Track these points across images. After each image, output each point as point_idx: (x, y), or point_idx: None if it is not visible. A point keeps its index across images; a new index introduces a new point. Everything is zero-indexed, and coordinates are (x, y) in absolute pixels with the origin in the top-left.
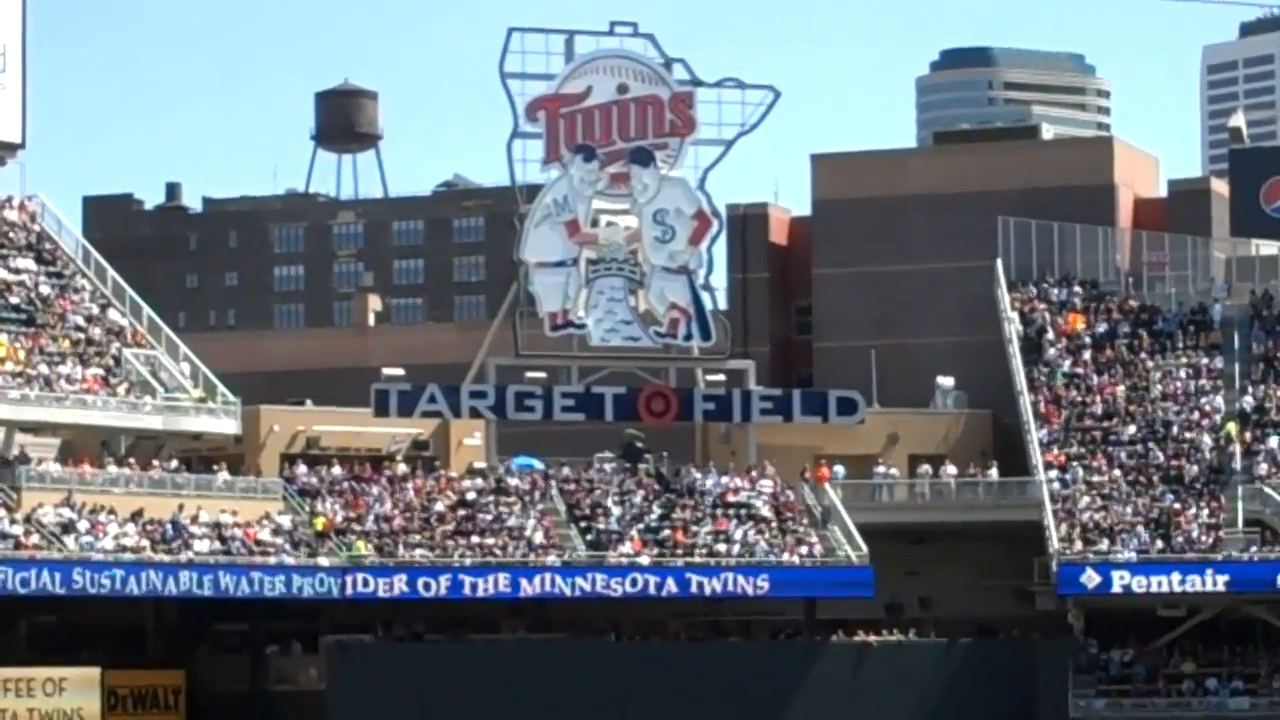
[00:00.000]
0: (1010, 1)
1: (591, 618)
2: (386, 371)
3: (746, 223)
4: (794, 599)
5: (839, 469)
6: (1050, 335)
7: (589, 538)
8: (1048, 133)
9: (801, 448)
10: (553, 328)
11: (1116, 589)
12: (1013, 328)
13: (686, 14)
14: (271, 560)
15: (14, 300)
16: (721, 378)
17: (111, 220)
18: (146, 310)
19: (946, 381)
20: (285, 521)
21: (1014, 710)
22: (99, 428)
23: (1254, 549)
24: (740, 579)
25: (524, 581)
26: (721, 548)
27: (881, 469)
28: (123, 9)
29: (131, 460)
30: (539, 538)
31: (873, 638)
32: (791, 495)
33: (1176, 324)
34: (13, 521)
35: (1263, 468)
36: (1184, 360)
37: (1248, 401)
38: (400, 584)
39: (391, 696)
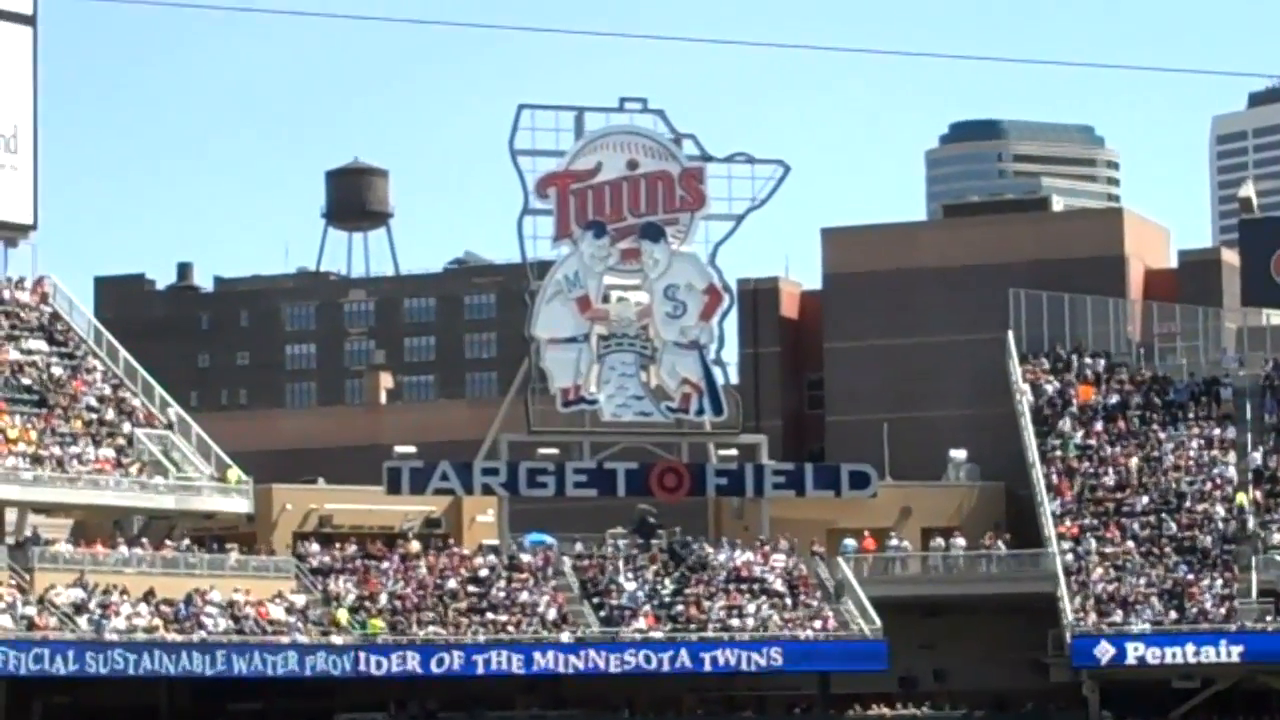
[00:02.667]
0: (1019, 74)
1: (605, 693)
2: (398, 449)
3: (757, 297)
4: (808, 673)
5: (850, 542)
6: (1063, 407)
7: (602, 614)
8: (1058, 204)
9: (814, 521)
10: (564, 404)
11: (1131, 661)
12: (1024, 400)
13: (696, 90)
14: (284, 639)
15: (26, 381)
16: (734, 452)
17: (123, 300)
18: (158, 390)
19: (959, 454)
20: (298, 600)
21: None
22: (111, 508)
23: (1268, 619)
24: (754, 653)
25: (537, 658)
26: (735, 622)
27: (894, 542)
28: (133, 89)
29: (144, 540)
30: (552, 614)
31: (887, 711)
32: (804, 569)
33: (1188, 395)
34: (26, 603)
35: (1276, 537)
36: (1196, 431)
37: (1260, 471)
38: (413, 661)
39: None
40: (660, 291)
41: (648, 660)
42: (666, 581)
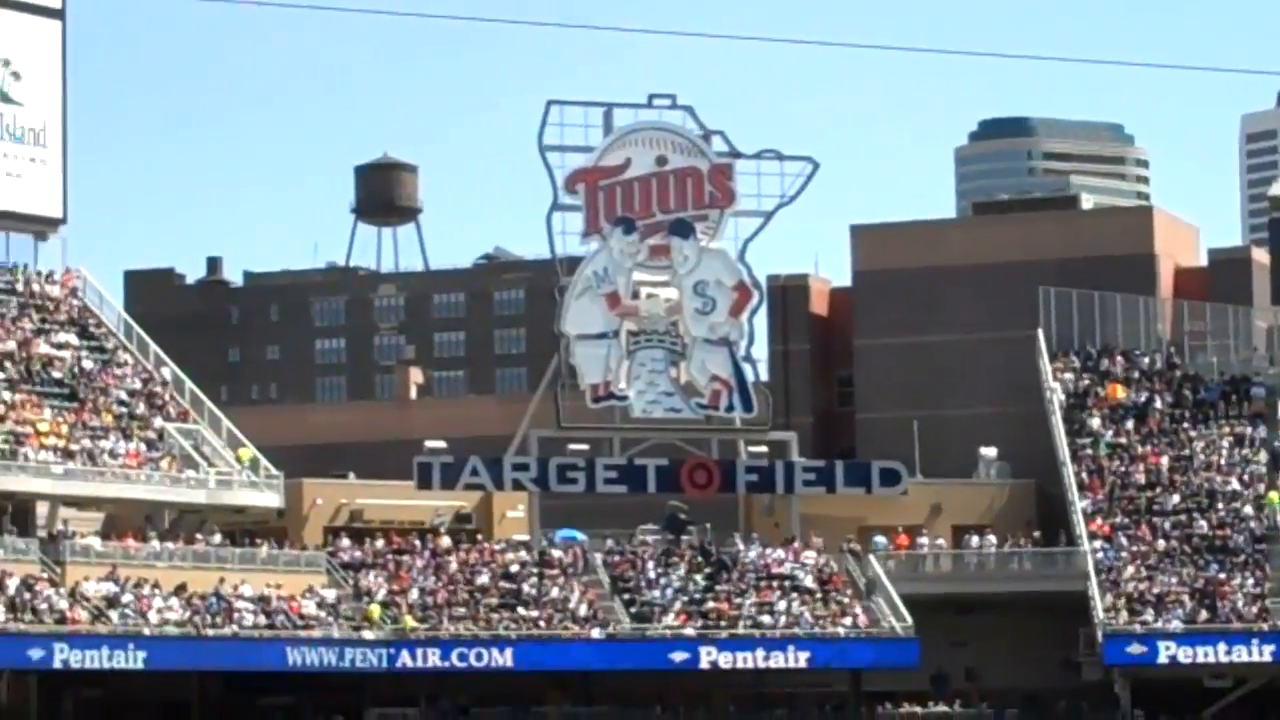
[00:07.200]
0: (1049, 72)
1: (636, 690)
2: (429, 444)
3: (787, 294)
4: (840, 670)
5: (880, 539)
6: (1092, 405)
7: (633, 610)
8: (1087, 202)
9: (844, 519)
10: (594, 400)
11: (1163, 659)
12: (1055, 398)
13: (725, 86)
14: (316, 634)
15: (56, 375)
16: (764, 449)
17: (153, 294)
18: (189, 384)
19: (989, 452)
20: (329, 595)
21: None
22: (142, 501)
23: None
24: (785, 651)
25: (568, 653)
26: (766, 619)
27: (925, 540)
28: (162, 83)
29: (175, 534)
30: (583, 610)
31: (919, 709)
32: (835, 566)
33: (1219, 393)
34: (58, 596)
35: None
36: (1226, 429)
37: None
38: (444, 657)
39: None
40: (690, 288)
41: (678, 656)
42: (697, 578)
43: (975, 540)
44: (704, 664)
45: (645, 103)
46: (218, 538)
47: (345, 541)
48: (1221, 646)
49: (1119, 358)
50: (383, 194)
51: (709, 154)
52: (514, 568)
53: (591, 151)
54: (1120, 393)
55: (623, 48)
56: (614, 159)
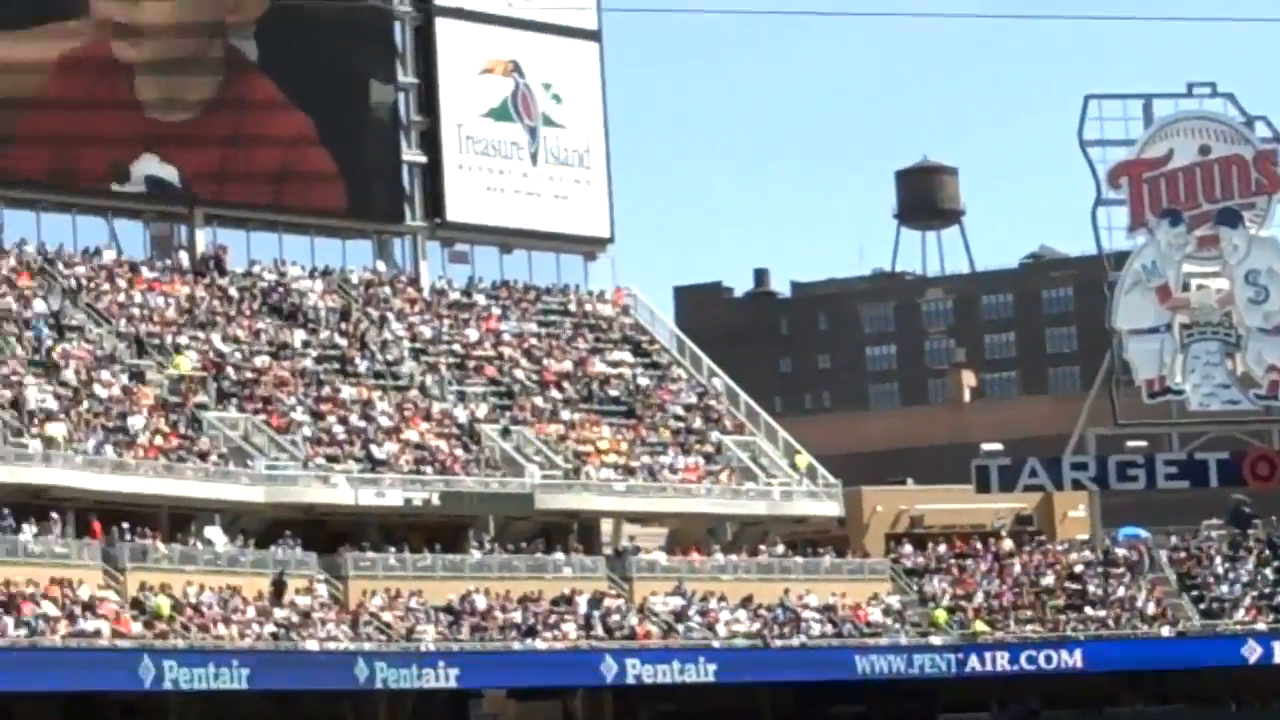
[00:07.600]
0: None
1: (1209, 687)
2: (985, 447)
3: None
4: None
5: None
6: None
7: (1201, 606)
8: None
9: None
10: (1150, 395)
11: None
12: None
13: (1264, 71)
14: (883, 641)
15: (613, 393)
16: None
17: (702, 309)
18: (743, 396)
19: None
20: (894, 601)
21: None
22: (704, 515)
23: None
24: None
25: (1139, 652)
26: None
27: None
28: (700, 98)
29: (739, 546)
30: (1151, 608)
31: None
32: None
33: None
34: (627, 611)
35: None
36: None
37: None
38: (1014, 659)
39: None
40: (1241, 278)
41: (1252, 652)
42: (1266, 572)
43: None
44: (1278, 659)
45: (1185, 92)
46: (780, 548)
47: (907, 547)
48: None
49: None
50: (924, 197)
51: (1253, 141)
52: (1078, 568)
53: (1133, 144)
54: None
55: (1159, 37)
56: (1156, 151)
